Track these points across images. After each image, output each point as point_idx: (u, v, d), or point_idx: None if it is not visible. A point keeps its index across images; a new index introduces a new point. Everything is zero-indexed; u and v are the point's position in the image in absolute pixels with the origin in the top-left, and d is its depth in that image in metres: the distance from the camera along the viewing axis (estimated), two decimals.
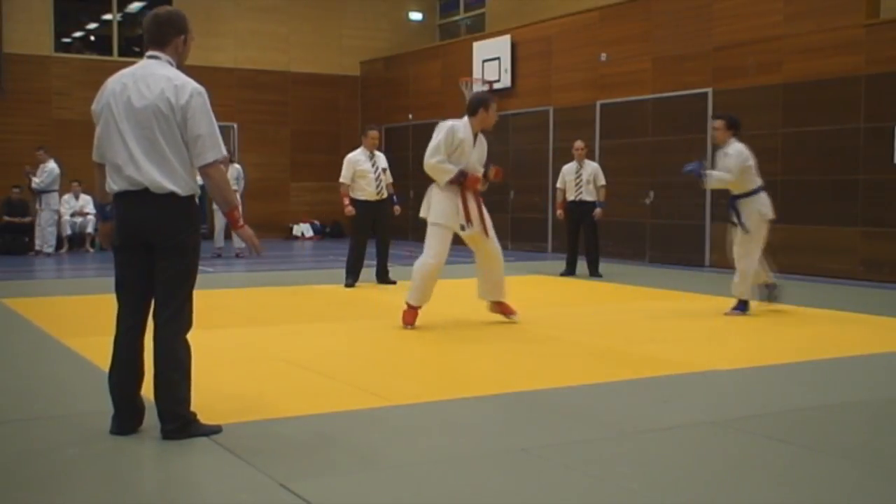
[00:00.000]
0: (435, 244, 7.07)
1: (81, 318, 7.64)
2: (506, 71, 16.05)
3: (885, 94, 10.75)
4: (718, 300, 8.46)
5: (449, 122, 7.12)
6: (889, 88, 10.69)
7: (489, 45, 16.45)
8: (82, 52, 18.62)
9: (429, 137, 7.15)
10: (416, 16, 20.82)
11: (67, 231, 15.58)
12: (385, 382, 5.17)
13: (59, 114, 17.31)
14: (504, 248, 7.77)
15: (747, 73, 12.19)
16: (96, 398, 4.32)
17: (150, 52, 4.02)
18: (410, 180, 17.41)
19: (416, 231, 17.76)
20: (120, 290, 4.00)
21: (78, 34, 19.03)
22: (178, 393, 3.92)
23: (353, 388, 5.01)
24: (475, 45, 16.78)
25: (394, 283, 10.14)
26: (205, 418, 4.02)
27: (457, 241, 7.25)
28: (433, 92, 18.05)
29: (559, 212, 11.70)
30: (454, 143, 7.00)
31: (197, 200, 4.05)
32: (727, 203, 8.03)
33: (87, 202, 15.80)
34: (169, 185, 3.86)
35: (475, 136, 7.15)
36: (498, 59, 16.18)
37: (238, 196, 13.69)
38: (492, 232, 7.29)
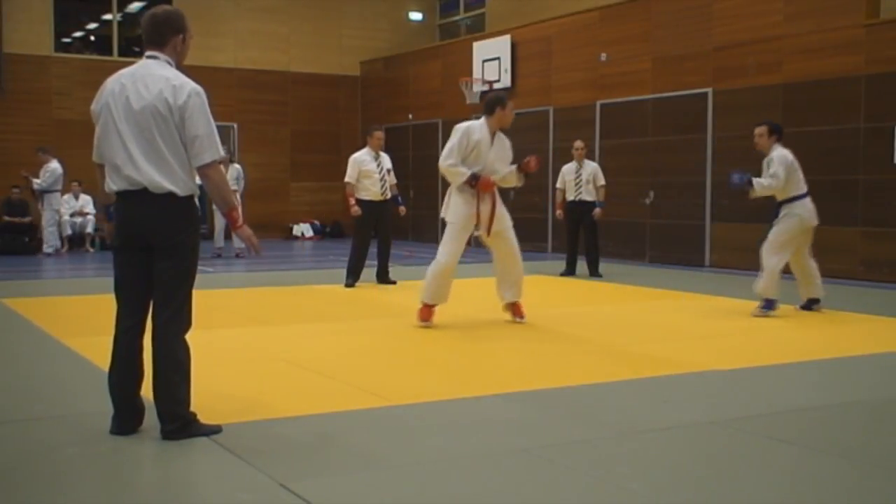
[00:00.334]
0: (449, 243, 7.11)
1: (81, 318, 7.64)
2: (506, 71, 16.04)
3: (885, 94, 10.75)
4: (718, 300, 8.46)
5: (465, 124, 7.15)
6: (889, 88, 10.69)
7: (489, 45, 16.44)
8: (82, 52, 18.61)
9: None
10: (416, 16, 20.81)
11: (67, 231, 15.58)
12: (385, 382, 5.17)
13: (60, 114, 17.30)
14: None
15: (747, 73, 12.19)
16: (96, 398, 4.31)
17: (148, 52, 4.02)
18: (410, 180, 17.44)
19: (416, 231, 17.82)
20: (119, 290, 3.99)
21: (78, 34, 19.02)
22: (177, 393, 3.92)
23: (353, 388, 5.02)
24: (475, 45, 16.76)
25: (394, 283, 10.16)
26: (205, 418, 4.03)
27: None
28: (433, 92, 18.04)
29: (558, 212, 11.70)
30: (469, 144, 7.02)
31: (196, 201, 4.05)
32: (772, 212, 7.85)
33: (87, 202, 15.80)
34: (167, 185, 3.86)
35: (493, 135, 7.16)
36: (498, 59, 16.17)
37: (238, 196, 13.71)
38: (510, 232, 7.28)
